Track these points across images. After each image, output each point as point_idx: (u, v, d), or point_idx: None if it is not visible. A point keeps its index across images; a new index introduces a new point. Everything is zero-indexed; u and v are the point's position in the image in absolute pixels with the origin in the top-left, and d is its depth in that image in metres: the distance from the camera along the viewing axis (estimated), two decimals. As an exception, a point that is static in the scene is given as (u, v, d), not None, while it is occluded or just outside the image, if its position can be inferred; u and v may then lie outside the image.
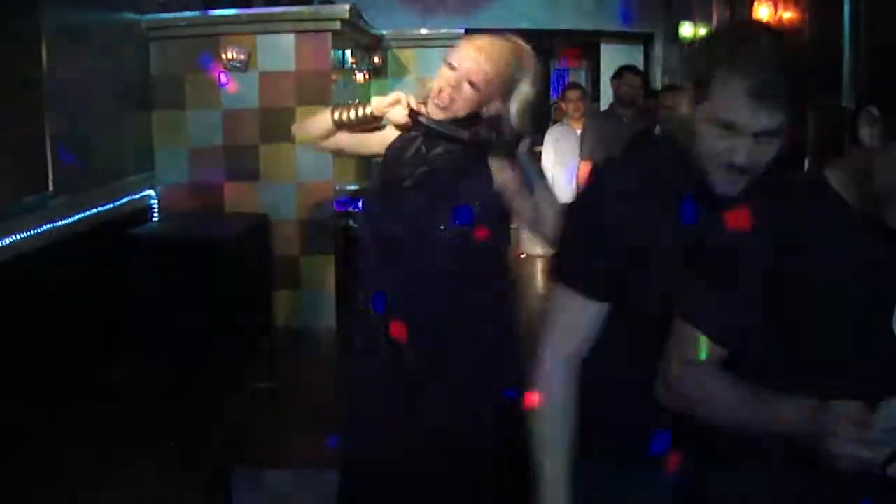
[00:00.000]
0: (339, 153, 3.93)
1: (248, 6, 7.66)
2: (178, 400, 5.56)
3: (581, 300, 2.10)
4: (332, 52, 7.36)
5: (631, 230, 2.02)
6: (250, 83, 7.32)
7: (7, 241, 4.94)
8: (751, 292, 1.86)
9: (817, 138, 5.72)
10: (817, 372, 1.84)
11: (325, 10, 7.53)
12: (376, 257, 3.06)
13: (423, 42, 9.76)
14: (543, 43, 13.18)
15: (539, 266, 10.53)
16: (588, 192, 2.25)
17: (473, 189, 2.93)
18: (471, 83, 2.89)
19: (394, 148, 3.08)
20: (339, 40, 7.50)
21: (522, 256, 10.83)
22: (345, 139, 3.24)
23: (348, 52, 7.91)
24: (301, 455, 4.83)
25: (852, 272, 1.83)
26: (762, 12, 6.89)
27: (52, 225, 5.46)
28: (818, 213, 1.86)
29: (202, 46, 7.28)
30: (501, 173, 2.92)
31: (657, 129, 6.14)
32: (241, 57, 7.22)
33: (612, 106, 7.64)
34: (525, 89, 3.00)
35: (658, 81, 11.17)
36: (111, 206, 6.38)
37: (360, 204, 3.22)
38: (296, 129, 3.75)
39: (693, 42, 9.55)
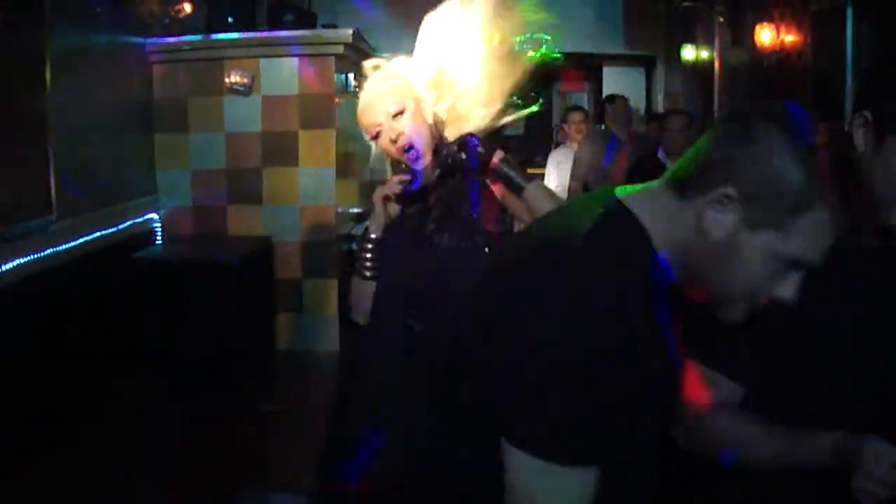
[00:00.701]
0: None
1: (252, 30, 7.67)
2: (182, 423, 5.55)
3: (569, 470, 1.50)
4: (336, 76, 7.37)
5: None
6: (253, 106, 7.33)
7: (10, 265, 4.93)
8: (772, 336, 1.84)
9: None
10: (842, 406, 1.82)
11: (328, 33, 7.55)
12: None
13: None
14: (545, 65, 13.22)
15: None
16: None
17: (486, 205, 2.91)
18: (395, 115, 2.84)
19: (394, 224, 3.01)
20: (342, 64, 7.51)
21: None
22: None
23: (351, 76, 7.91)
24: (304, 478, 4.81)
25: (878, 309, 1.81)
26: (764, 36, 6.91)
27: (54, 249, 5.45)
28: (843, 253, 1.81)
29: (205, 70, 7.31)
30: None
31: (660, 153, 6.16)
32: (245, 80, 7.23)
33: (602, 129, 7.71)
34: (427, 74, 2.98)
35: (660, 105, 11.18)
36: (114, 229, 6.37)
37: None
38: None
39: (696, 65, 9.58)
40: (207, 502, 4.61)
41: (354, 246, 3.03)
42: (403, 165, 2.92)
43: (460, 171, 2.87)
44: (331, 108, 7.31)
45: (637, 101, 12.03)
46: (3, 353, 4.73)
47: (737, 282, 1.56)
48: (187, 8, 7.39)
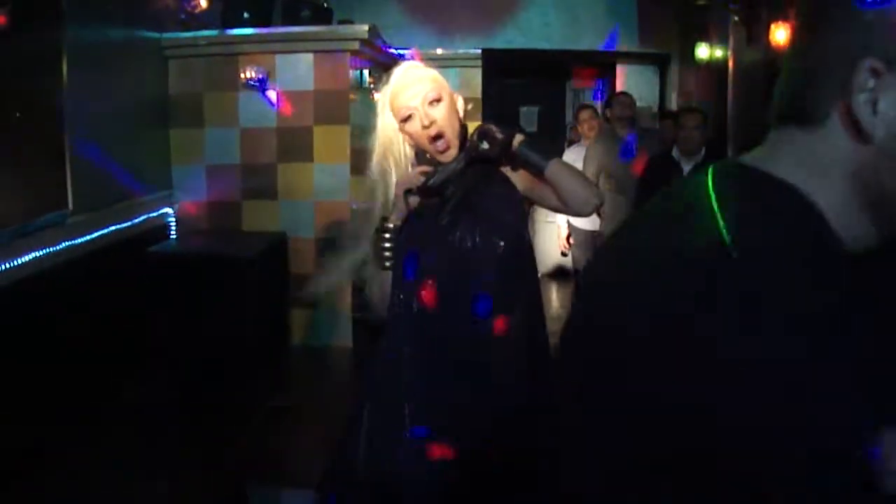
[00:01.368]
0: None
1: (268, 25, 7.68)
2: (196, 418, 5.57)
3: None
4: (351, 72, 7.39)
5: None
6: (268, 102, 7.35)
7: (26, 258, 4.96)
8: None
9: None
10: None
11: (344, 29, 7.56)
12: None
13: (439, 62, 9.74)
14: (560, 64, 13.21)
15: (554, 286, 10.54)
16: None
17: (500, 202, 2.91)
18: (431, 102, 2.87)
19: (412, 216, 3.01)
20: (358, 60, 7.53)
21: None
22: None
23: (366, 72, 7.93)
24: (318, 474, 4.83)
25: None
26: (779, 35, 6.89)
27: (70, 243, 5.48)
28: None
29: (221, 65, 7.33)
30: (520, 173, 2.95)
31: (674, 151, 6.15)
32: (260, 76, 7.24)
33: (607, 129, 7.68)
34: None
35: (674, 103, 11.16)
36: (129, 224, 6.40)
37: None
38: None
39: (710, 63, 9.56)
40: (221, 498, 4.62)
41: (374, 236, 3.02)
42: (428, 156, 2.94)
43: (482, 160, 2.88)
44: (346, 104, 7.33)
45: (651, 100, 12.02)
46: (18, 347, 4.75)
47: None
48: (203, 3, 7.41)
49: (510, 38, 10.72)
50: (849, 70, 1.10)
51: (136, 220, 6.56)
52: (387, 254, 2.97)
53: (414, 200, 2.93)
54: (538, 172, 2.85)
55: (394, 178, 3.01)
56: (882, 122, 1.09)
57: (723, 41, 8.98)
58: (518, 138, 2.86)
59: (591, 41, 10.88)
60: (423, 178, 2.89)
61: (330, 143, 7.33)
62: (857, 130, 1.12)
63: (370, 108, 6.96)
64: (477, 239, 2.86)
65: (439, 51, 10.03)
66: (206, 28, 7.36)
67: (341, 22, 8.17)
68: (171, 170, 7.44)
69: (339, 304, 7.45)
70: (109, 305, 5.88)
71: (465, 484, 2.88)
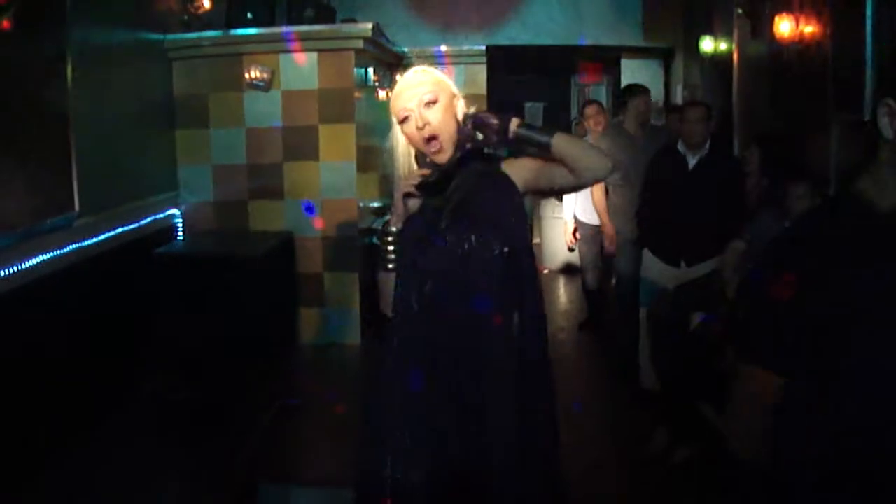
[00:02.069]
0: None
1: (271, 25, 7.69)
2: (205, 417, 5.58)
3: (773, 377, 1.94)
4: (355, 70, 7.39)
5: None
6: (273, 101, 7.36)
7: (34, 261, 4.97)
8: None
9: (840, 153, 5.70)
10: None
11: (348, 28, 7.57)
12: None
13: (444, 59, 9.82)
14: (564, 59, 13.19)
15: (561, 281, 10.54)
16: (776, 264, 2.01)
17: (500, 204, 2.91)
18: (427, 104, 2.90)
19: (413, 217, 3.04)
20: (362, 58, 7.54)
21: (545, 272, 10.84)
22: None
23: (370, 70, 7.93)
24: (327, 471, 4.84)
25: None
26: (784, 28, 6.87)
27: (77, 245, 5.49)
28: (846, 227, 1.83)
29: (225, 66, 7.34)
30: (521, 167, 2.95)
31: (679, 144, 6.14)
32: (265, 76, 7.26)
33: (620, 123, 7.64)
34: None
35: (679, 97, 11.15)
36: (136, 225, 6.41)
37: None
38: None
39: (714, 56, 9.55)
40: (231, 495, 4.63)
41: (376, 240, 3.06)
42: (429, 159, 2.94)
43: (480, 150, 2.90)
44: (351, 103, 7.34)
45: (656, 94, 12.01)
46: (27, 348, 4.77)
47: None
48: (207, 4, 7.41)
49: (514, 34, 10.72)
50: None
51: (143, 222, 6.57)
52: (390, 256, 2.99)
53: (413, 203, 2.95)
54: (543, 149, 2.84)
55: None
56: None
57: (727, 34, 8.97)
58: (514, 122, 2.85)
59: (595, 36, 10.88)
60: (420, 181, 2.91)
61: (335, 141, 7.34)
62: None
63: (375, 105, 6.95)
64: (475, 242, 2.85)
65: (443, 48, 10.03)
66: (209, 29, 7.37)
67: (344, 20, 8.18)
68: (178, 171, 7.46)
69: (348, 301, 7.47)
70: (118, 307, 5.90)
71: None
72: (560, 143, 2.79)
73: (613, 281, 8.42)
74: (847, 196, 1.92)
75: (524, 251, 2.95)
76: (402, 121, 2.94)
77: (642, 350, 6.39)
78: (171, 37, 7.21)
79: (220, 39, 7.34)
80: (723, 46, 9.28)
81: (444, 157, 2.92)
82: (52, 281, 5.12)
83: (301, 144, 7.36)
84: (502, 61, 11.10)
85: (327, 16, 8.10)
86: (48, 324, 5.04)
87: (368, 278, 7.18)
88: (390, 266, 2.99)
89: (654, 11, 11.07)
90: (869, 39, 5.21)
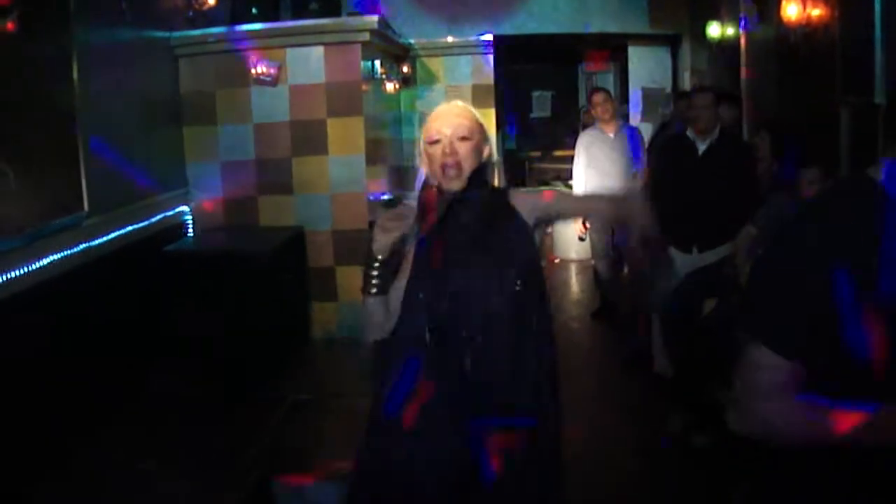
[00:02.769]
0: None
1: (276, 20, 7.68)
2: (218, 413, 5.58)
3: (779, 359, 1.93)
4: (362, 63, 7.38)
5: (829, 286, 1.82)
6: (281, 96, 7.35)
7: (43, 261, 4.96)
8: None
9: (850, 136, 5.68)
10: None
11: (354, 21, 7.54)
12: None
13: (450, 50, 9.80)
14: (571, 47, 13.17)
15: (573, 270, 10.54)
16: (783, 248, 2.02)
17: (514, 237, 3.03)
18: (462, 139, 3.06)
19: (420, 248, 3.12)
20: (368, 51, 7.52)
21: (556, 261, 10.85)
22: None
23: (377, 63, 7.91)
24: (340, 466, 4.84)
25: None
26: (791, 11, 6.84)
27: (87, 244, 5.48)
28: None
29: (232, 61, 7.33)
30: (531, 204, 3.15)
31: (688, 131, 6.13)
32: (271, 71, 7.24)
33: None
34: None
35: (686, 83, 11.12)
36: (146, 223, 6.40)
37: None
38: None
39: (721, 41, 9.52)
40: (243, 491, 4.64)
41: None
42: (434, 183, 3.12)
43: (486, 182, 3.18)
44: (358, 96, 7.31)
45: (663, 81, 11.99)
46: (38, 348, 4.77)
47: None
48: (211, 0, 7.40)
49: (520, 23, 10.70)
50: None
51: (153, 220, 6.56)
52: (374, 281, 3.15)
53: (393, 236, 3.06)
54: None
55: None
56: None
57: (734, 19, 8.93)
58: (496, 161, 3.12)
59: (601, 24, 10.85)
60: (403, 218, 3.10)
61: (344, 135, 7.32)
62: None
63: (383, 98, 6.95)
64: (492, 276, 3.01)
65: (450, 39, 10.00)
66: (214, 25, 7.36)
67: (350, 14, 8.17)
68: (186, 168, 7.44)
69: (359, 295, 7.44)
70: (127, 305, 5.90)
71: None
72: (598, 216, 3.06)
73: (625, 269, 8.43)
74: (864, 179, 1.91)
75: (539, 277, 3.13)
76: (432, 142, 3.09)
77: (655, 336, 6.39)
78: (176, 34, 7.19)
79: (226, 35, 7.31)
80: (730, 31, 9.25)
81: (455, 185, 3.06)
82: (62, 282, 5.11)
83: (310, 139, 7.34)
84: (509, 51, 11.08)
85: (333, 9, 8.09)
86: (58, 323, 5.03)
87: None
88: (374, 290, 3.15)
89: (661, -2, 11.04)
90: (878, 20, 5.18)
